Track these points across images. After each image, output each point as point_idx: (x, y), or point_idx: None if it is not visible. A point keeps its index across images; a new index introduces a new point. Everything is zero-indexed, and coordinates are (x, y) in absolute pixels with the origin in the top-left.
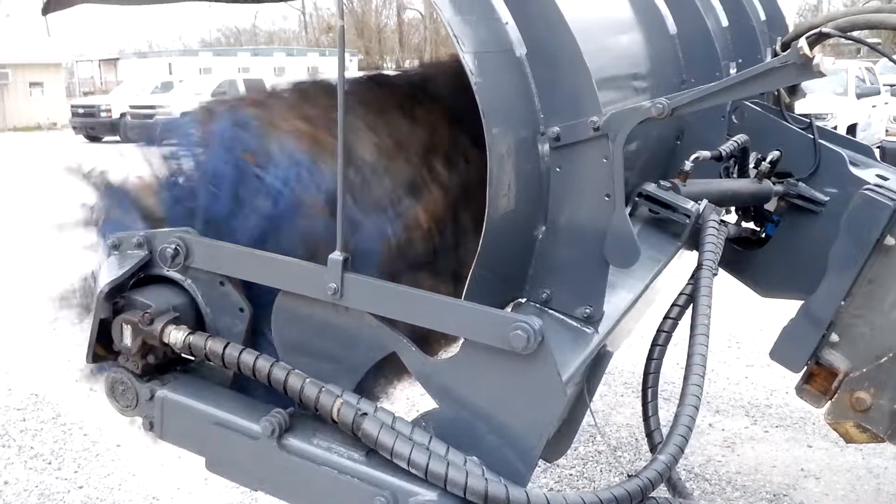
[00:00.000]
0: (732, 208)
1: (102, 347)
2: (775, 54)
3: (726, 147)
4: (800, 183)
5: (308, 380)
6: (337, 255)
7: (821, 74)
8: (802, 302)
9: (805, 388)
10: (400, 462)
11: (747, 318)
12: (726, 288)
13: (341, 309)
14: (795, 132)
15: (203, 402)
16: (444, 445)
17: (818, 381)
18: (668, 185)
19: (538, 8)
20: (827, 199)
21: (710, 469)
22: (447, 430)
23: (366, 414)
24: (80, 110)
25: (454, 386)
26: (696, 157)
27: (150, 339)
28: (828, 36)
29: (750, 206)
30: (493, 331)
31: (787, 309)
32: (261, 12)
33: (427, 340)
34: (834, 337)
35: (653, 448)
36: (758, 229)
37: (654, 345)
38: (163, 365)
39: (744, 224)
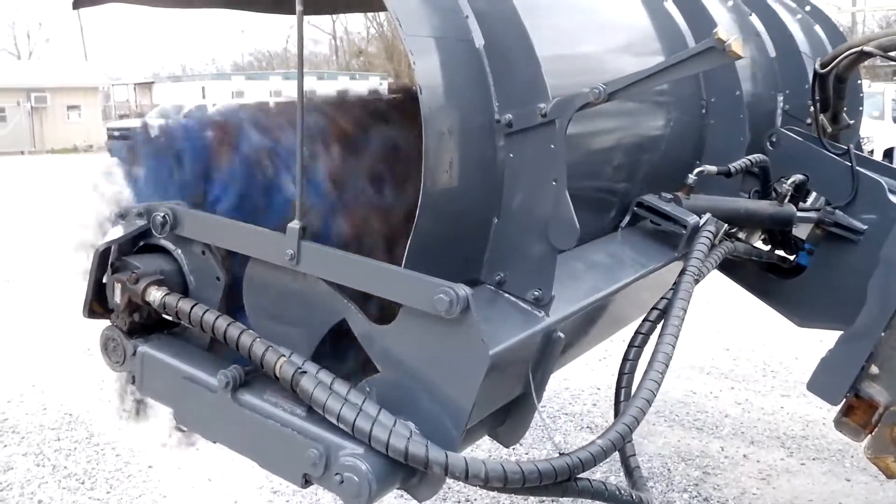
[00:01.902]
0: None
1: (100, 306)
2: (815, 77)
3: (736, 164)
4: (837, 211)
5: (258, 339)
6: (295, 224)
7: (736, 56)
8: (841, 332)
9: (844, 421)
10: (331, 417)
11: (782, 345)
12: (760, 315)
13: (300, 276)
14: (832, 159)
15: (176, 358)
16: (378, 407)
17: (857, 414)
18: (670, 197)
19: (495, 4)
20: (865, 227)
21: (744, 502)
22: (388, 393)
23: (305, 372)
24: (116, 133)
25: (393, 351)
26: (701, 171)
27: (135, 297)
28: (868, 55)
29: (777, 232)
30: (421, 295)
31: (822, 336)
32: (292, 37)
33: None
34: (874, 369)
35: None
36: (789, 257)
37: (630, 346)
38: (150, 326)
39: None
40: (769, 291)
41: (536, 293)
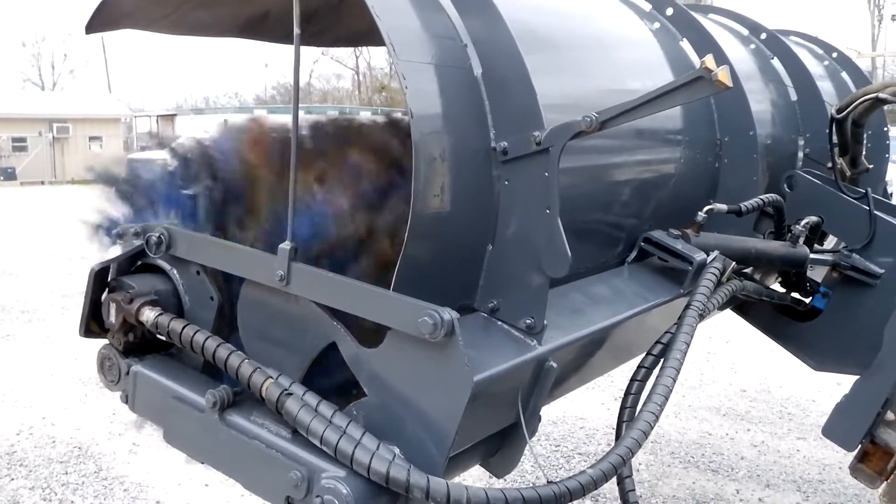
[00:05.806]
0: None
1: (97, 325)
2: (832, 121)
3: (748, 204)
4: (853, 254)
5: (245, 360)
6: (286, 245)
7: (724, 86)
8: (857, 377)
9: (859, 467)
10: (314, 439)
11: (799, 387)
12: (776, 356)
13: (291, 298)
14: (849, 202)
15: (167, 378)
16: (362, 430)
17: (873, 460)
18: (678, 233)
19: (493, 34)
20: (882, 271)
21: None
22: (374, 417)
23: (291, 394)
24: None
25: (380, 374)
26: (710, 209)
27: (129, 316)
28: (884, 102)
29: (791, 274)
30: (406, 318)
31: (840, 379)
32: (315, 71)
33: None
34: (890, 415)
35: (620, 480)
36: (805, 300)
37: (632, 380)
38: (145, 347)
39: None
40: (785, 334)
41: (529, 321)
